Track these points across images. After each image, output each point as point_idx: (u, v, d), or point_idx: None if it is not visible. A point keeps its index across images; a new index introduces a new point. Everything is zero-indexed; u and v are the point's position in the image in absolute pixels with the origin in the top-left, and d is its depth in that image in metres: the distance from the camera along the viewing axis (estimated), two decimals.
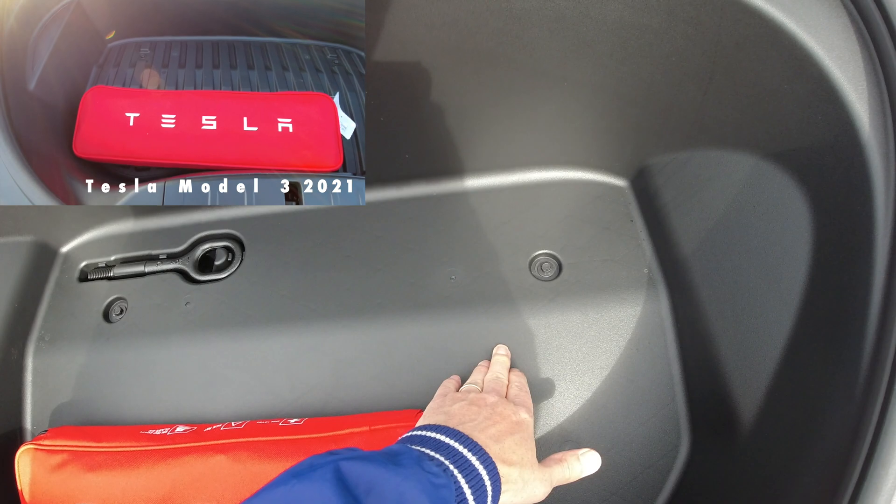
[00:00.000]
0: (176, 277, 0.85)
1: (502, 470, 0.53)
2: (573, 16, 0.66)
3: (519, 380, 0.69)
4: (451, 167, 0.87)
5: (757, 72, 0.64)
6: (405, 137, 0.81)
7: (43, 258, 0.89)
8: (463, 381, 0.71)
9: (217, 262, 0.86)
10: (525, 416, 0.61)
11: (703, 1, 0.62)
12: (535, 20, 0.67)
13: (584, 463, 0.60)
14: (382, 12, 0.68)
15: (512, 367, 0.74)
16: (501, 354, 0.74)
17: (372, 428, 0.68)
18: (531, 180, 0.87)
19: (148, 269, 0.86)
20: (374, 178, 0.87)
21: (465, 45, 0.70)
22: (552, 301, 0.77)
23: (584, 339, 0.75)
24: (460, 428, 0.56)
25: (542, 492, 0.57)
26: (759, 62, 0.63)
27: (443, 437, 0.53)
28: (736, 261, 0.68)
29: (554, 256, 0.81)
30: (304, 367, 0.78)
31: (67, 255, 0.91)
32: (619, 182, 0.85)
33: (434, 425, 0.56)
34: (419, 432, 0.55)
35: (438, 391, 0.68)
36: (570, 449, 0.63)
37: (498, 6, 0.66)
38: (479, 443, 0.53)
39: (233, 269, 0.85)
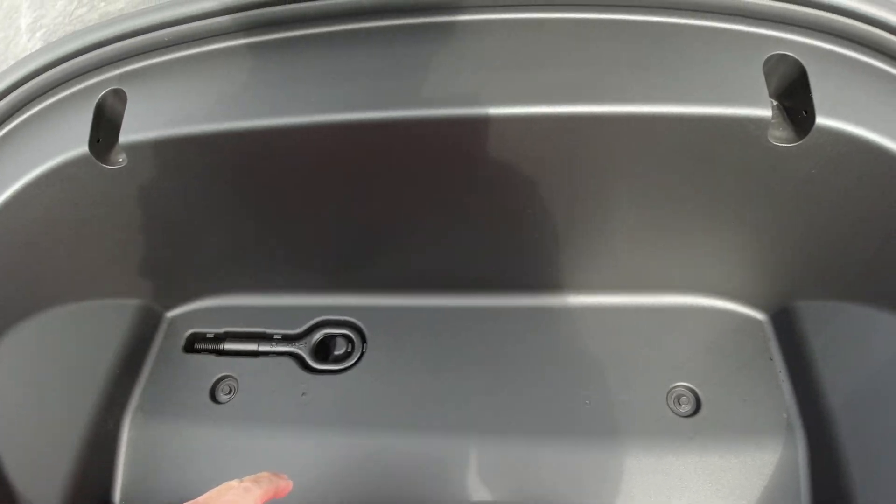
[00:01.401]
0: (291, 362, 0.82)
1: None
2: (762, 168, 0.64)
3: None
4: (588, 280, 0.84)
5: None
6: (546, 247, 0.79)
7: (148, 322, 0.85)
8: None
9: (336, 352, 0.82)
10: None
11: (893, 173, 0.61)
12: (724, 164, 0.65)
13: None
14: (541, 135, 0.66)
15: None
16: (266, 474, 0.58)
17: None
18: (666, 304, 0.83)
19: (262, 348, 0.83)
20: (510, 282, 0.84)
21: (636, 173, 0.68)
22: (691, 440, 0.73)
23: (721, 484, 0.71)
24: None
25: None
26: None
27: None
28: (889, 428, 0.66)
29: (692, 390, 0.77)
30: (428, 479, 0.73)
31: (173, 320, 0.87)
32: (758, 315, 0.81)
33: None
34: None
35: None
36: None
37: (688, 149, 0.64)
38: None
39: (352, 361, 0.82)
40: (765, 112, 0.60)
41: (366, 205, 0.74)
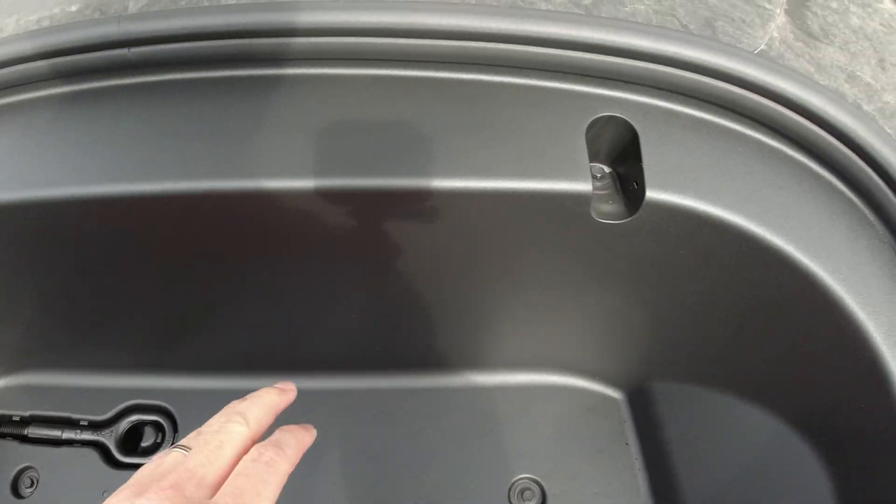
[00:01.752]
0: (95, 454, 0.71)
1: None
2: (591, 246, 0.55)
3: (271, 453, 0.38)
4: (426, 359, 0.73)
5: (798, 335, 0.54)
6: (373, 325, 0.69)
7: None
8: None
9: (144, 444, 0.72)
10: None
11: (743, 251, 0.52)
12: (552, 242, 0.56)
13: None
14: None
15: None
16: (266, 393, 0.43)
17: None
18: (516, 382, 0.73)
19: (66, 435, 0.72)
20: (337, 362, 0.73)
21: (465, 252, 0.59)
22: None
23: None
24: None
25: None
26: (802, 326, 0.53)
27: None
28: None
29: (538, 483, 0.67)
30: None
31: None
32: (614, 394, 0.72)
33: None
34: None
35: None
36: None
37: (512, 226, 0.55)
38: None
39: None
40: (583, 186, 0.51)
41: (174, 280, 0.64)
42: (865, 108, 0.57)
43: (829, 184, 0.54)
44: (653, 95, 0.54)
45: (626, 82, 0.54)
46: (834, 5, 0.61)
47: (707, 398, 0.62)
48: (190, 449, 0.36)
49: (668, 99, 0.54)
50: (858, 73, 0.58)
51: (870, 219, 0.53)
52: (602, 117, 0.54)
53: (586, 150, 0.52)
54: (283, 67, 0.55)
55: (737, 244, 0.52)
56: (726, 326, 0.57)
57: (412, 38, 0.52)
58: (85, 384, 0.74)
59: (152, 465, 0.35)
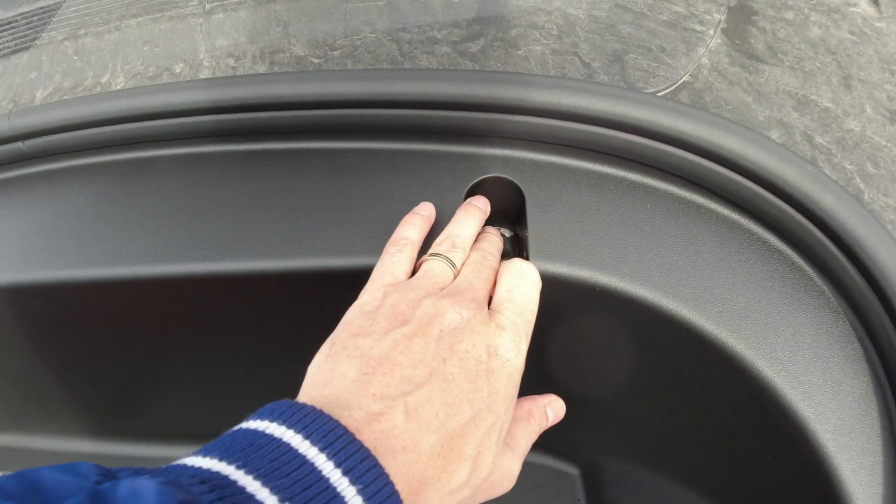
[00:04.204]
0: None
1: None
2: None
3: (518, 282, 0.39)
4: None
5: (727, 421, 0.45)
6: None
7: None
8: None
9: None
10: (507, 352, 0.34)
11: (655, 328, 0.43)
12: None
13: (552, 414, 0.41)
14: None
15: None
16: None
17: None
18: None
19: None
20: None
21: None
22: None
23: None
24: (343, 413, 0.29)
25: (510, 483, 0.36)
26: (730, 411, 0.44)
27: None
28: None
29: None
30: None
31: None
32: (569, 469, 0.64)
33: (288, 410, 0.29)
34: (256, 423, 0.29)
35: (369, 285, 0.39)
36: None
37: None
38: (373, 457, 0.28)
39: None
40: None
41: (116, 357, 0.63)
42: (819, 140, 0.46)
43: (764, 241, 0.44)
44: (541, 151, 0.46)
45: (510, 139, 0.47)
46: (789, 16, 0.49)
47: (655, 481, 0.53)
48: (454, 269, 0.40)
49: (560, 153, 0.46)
50: (813, 97, 0.47)
51: (816, 282, 0.43)
52: (488, 179, 0.47)
53: None
54: (153, 149, 0.52)
55: (646, 319, 0.43)
56: (658, 408, 0.48)
57: (267, 111, 0.48)
58: (57, 448, 0.76)
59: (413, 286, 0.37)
